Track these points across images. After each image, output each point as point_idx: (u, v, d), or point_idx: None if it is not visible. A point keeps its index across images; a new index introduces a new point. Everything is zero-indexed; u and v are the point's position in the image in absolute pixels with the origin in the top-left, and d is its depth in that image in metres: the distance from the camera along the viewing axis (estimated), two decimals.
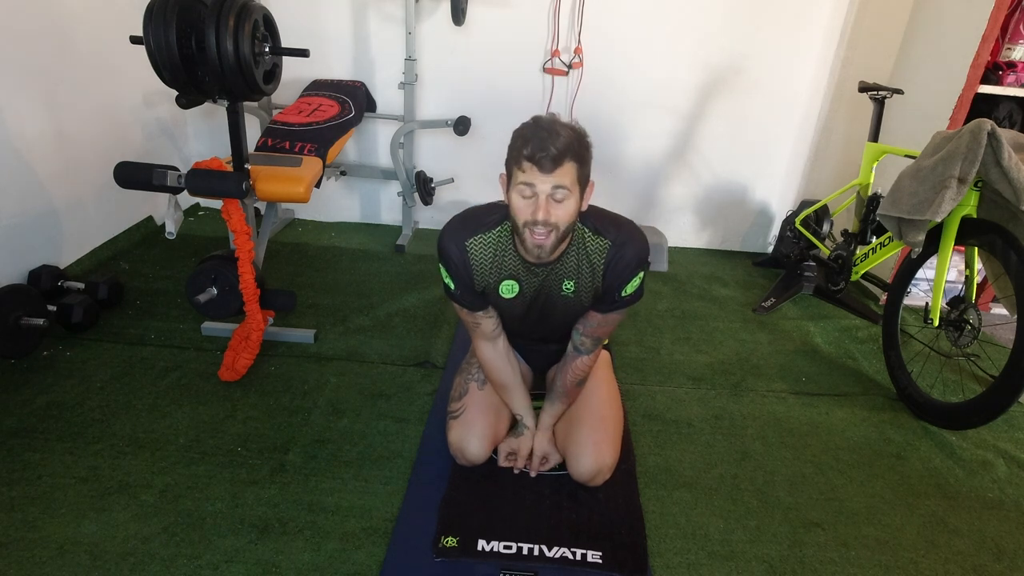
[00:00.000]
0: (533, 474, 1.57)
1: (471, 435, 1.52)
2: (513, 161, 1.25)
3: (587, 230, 1.38)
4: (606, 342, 1.67)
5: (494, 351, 1.55)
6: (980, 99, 2.42)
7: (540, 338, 1.66)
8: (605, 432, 1.52)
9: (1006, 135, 1.77)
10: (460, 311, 1.52)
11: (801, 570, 1.42)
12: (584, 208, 1.33)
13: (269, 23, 1.81)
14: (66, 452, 1.57)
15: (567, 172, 1.21)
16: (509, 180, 1.28)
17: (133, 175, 1.81)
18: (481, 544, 1.38)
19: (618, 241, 1.36)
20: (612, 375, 1.70)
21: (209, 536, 1.38)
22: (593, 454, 1.48)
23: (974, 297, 1.96)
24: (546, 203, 1.22)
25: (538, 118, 1.25)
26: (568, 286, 1.42)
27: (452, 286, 1.44)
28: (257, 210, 2.35)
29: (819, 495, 1.64)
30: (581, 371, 1.53)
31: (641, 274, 1.39)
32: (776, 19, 2.79)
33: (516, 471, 1.58)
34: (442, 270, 1.44)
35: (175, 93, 1.76)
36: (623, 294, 1.41)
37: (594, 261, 1.38)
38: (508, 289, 1.43)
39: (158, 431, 1.67)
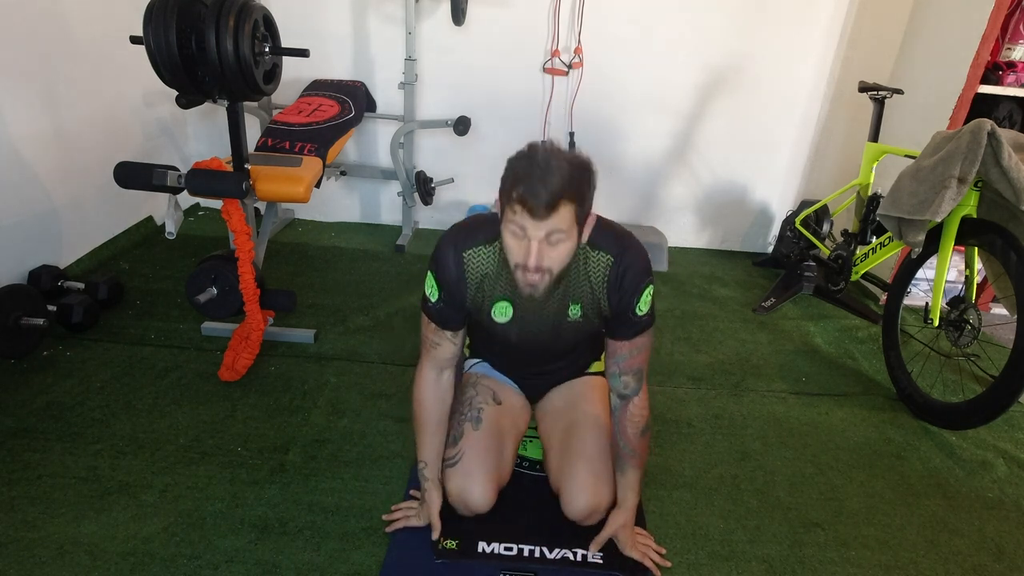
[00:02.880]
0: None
1: (473, 483, 1.36)
2: (504, 197, 1.12)
3: (586, 246, 1.27)
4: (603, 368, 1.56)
5: (436, 384, 1.41)
6: (980, 99, 2.42)
7: (540, 370, 1.55)
8: (605, 468, 1.38)
9: (1006, 135, 1.77)
10: (426, 327, 1.38)
11: (801, 570, 1.42)
12: (584, 242, 1.22)
13: (269, 23, 1.81)
14: (66, 452, 1.57)
15: (563, 216, 1.08)
16: (502, 212, 1.15)
17: (133, 175, 1.81)
18: (482, 546, 1.38)
19: (620, 254, 1.26)
20: (608, 401, 1.51)
21: (209, 536, 1.38)
22: (590, 495, 1.35)
23: (974, 297, 1.96)
24: (539, 248, 1.11)
25: (533, 149, 1.10)
26: (574, 310, 1.32)
27: (434, 296, 1.33)
28: (257, 210, 2.35)
29: (819, 495, 1.64)
30: (640, 417, 1.36)
31: (650, 287, 1.29)
32: (776, 19, 2.79)
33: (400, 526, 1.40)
34: (429, 277, 1.33)
35: (175, 93, 1.76)
36: (639, 312, 1.29)
37: (597, 277, 1.28)
38: (501, 312, 1.33)
39: (158, 431, 1.67)
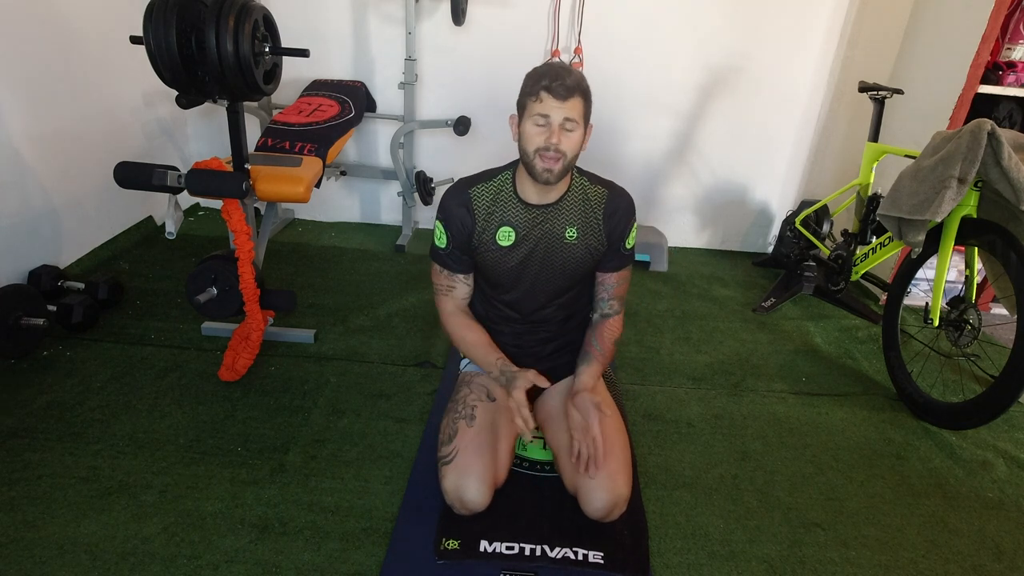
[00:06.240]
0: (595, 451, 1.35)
1: (468, 479, 1.34)
2: (528, 94, 1.33)
3: (585, 179, 1.49)
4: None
5: (463, 312, 1.56)
6: (980, 99, 2.42)
7: (538, 316, 1.56)
8: (616, 461, 1.38)
9: (1006, 135, 1.77)
10: (438, 275, 1.54)
11: (801, 570, 1.42)
12: (585, 148, 1.42)
13: (269, 23, 1.81)
14: (66, 452, 1.57)
15: (576, 105, 1.32)
16: (522, 115, 1.36)
17: (133, 175, 1.81)
18: (483, 545, 1.38)
19: (614, 189, 1.49)
20: (610, 396, 1.59)
21: (209, 536, 1.38)
22: (607, 487, 1.34)
23: (974, 297, 1.96)
24: (558, 130, 1.32)
25: (550, 61, 1.37)
26: (571, 233, 1.46)
27: (443, 244, 1.48)
28: (257, 210, 2.35)
29: (819, 495, 1.64)
30: (616, 329, 1.57)
31: (635, 225, 1.52)
32: (776, 19, 2.79)
33: (530, 439, 1.39)
34: (437, 227, 1.48)
35: (175, 93, 1.76)
36: (627, 247, 1.52)
37: (594, 206, 1.47)
38: (505, 236, 1.45)
39: (158, 431, 1.67)
